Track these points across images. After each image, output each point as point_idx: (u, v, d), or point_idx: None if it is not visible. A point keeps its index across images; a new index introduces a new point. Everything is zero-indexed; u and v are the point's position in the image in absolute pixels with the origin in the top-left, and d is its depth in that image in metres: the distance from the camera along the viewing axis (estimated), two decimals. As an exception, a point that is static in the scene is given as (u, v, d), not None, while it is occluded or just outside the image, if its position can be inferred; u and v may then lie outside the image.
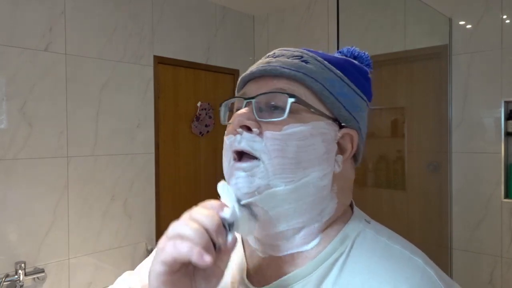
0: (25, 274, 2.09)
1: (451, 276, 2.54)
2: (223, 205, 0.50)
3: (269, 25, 3.44)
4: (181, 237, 0.44)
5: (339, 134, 0.57)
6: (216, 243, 0.45)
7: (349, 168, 0.60)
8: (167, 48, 2.85)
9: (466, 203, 2.52)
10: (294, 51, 0.59)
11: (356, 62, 0.63)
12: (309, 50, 0.60)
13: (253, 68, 0.59)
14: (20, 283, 2.06)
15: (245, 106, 0.55)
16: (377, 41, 2.60)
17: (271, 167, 0.52)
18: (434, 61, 2.67)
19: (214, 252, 0.45)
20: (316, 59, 0.58)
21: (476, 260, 2.48)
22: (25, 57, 2.16)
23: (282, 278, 0.55)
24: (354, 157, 0.62)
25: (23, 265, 2.08)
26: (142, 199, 2.69)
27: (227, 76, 3.31)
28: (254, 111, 0.54)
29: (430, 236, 2.62)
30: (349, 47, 0.66)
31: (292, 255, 0.56)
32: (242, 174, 0.53)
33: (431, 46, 2.61)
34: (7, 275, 2.04)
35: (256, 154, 0.53)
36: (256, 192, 0.52)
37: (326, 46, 3.00)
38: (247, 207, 0.52)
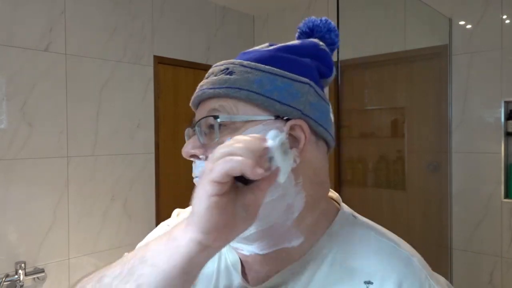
0: (25, 274, 2.09)
1: (451, 276, 2.54)
2: (263, 138, 0.47)
3: (269, 25, 3.44)
4: (231, 154, 0.43)
5: (286, 128, 0.55)
6: (261, 165, 0.44)
7: (314, 155, 0.58)
8: (167, 48, 2.85)
9: (466, 203, 2.52)
10: (222, 65, 0.61)
11: (296, 42, 0.62)
12: (244, 53, 0.62)
13: (194, 93, 0.62)
14: (20, 283, 2.06)
15: (192, 133, 0.59)
16: (377, 41, 2.61)
17: None
18: (434, 61, 2.67)
19: (263, 169, 0.44)
20: (242, 65, 0.58)
21: (476, 260, 2.48)
22: (25, 57, 2.16)
23: (274, 276, 0.56)
24: (326, 143, 0.60)
25: (23, 265, 2.08)
26: (142, 199, 2.69)
27: (227, 76, 3.31)
28: (199, 137, 0.57)
29: (430, 236, 2.62)
30: (307, 19, 0.66)
31: (276, 251, 0.57)
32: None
33: (431, 46, 2.62)
34: (7, 275, 2.04)
35: None
36: None
37: (326, 46, 3.00)
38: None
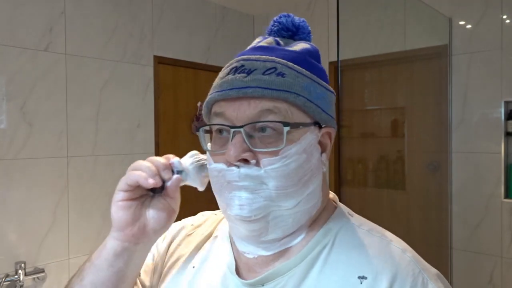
0: (25, 274, 2.09)
1: (451, 276, 2.55)
2: (174, 157, 0.60)
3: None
4: (134, 169, 0.57)
5: (319, 135, 0.58)
6: (163, 178, 0.57)
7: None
8: (167, 48, 2.85)
9: (466, 203, 2.52)
10: (265, 62, 0.55)
11: (308, 46, 0.60)
12: (265, 49, 0.58)
13: (224, 87, 0.55)
14: (20, 283, 2.06)
15: (233, 134, 0.53)
16: (377, 41, 2.61)
17: (275, 191, 0.53)
18: (434, 61, 2.67)
19: (159, 181, 0.56)
20: (287, 66, 0.55)
21: (476, 260, 2.48)
22: (25, 57, 2.16)
23: (269, 271, 0.57)
24: None
25: (23, 265, 2.08)
26: (142, 199, 2.68)
27: (227, 76, 3.31)
28: (246, 141, 0.53)
29: (430, 236, 2.62)
30: (285, 14, 0.64)
31: (280, 252, 0.59)
32: (244, 194, 0.53)
33: (431, 46, 2.61)
34: (7, 275, 2.04)
35: (258, 180, 0.53)
36: (259, 215, 0.54)
37: (326, 46, 3.00)
38: (199, 165, 0.61)
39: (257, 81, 0.53)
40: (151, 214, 0.58)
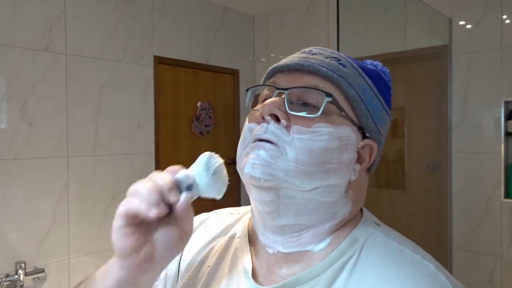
0: (25, 274, 2.09)
1: (451, 276, 2.54)
2: (180, 169, 0.51)
3: (269, 25, 3.43)
4: (134, 194, 0.48)
5: (361, 144, 0.56)
6: (168, 201, 0.48)
7: (364, 176, 0.60)
8: (167, 48, 2.85)
9: (466, 203, 2.52)
10: (332, 52, 0.58)
11: (382, 75, 0.62)
12: (345, 55, 0.60)
13: (286, 60, 0.57)
14: (20, 283, 2.06)
15: (276, 96, 0.53)
16: (377, 41, 2.60)
17: (294, 164, 0.51)
18: (434, 61, 2.67)
19: (164, 208, 0.48)
20: (352, 65, 0.57)
21: (476, 260, 2.48)
22: (25, 57, 2.16)
23: (290, 279, 0.54)
24: (369, 167, 0.62)
25: (23, 265, 2.08)
26: (142, 199, 2.68)
27: (227, 76, 3.31)
28: (286, 103, 0.52)
29: (430, 236, 2.62)
30: (373, 60, 0.65)
31: (300, 253, 0.56)
32: (262, 153, 0.51)
33: (431, 46, 2.62)
34: (7, 275, 2.04)
35: (281, 144, 0.51)
36: (269, 182, 0.51)
37: (326, 46, 3.00)
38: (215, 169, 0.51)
39: (316, 60, 0.55)
40: (159, 239, 0.49)
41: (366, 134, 0.56)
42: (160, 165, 2.80)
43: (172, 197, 0.48)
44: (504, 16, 2.37)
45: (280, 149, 0.51)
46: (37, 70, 2.20)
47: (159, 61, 2.81)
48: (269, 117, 0.52)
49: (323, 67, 0.54)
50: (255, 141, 0.53)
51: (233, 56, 3.33)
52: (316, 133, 0.52)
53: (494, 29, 2.40)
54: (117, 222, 0.49)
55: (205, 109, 3.11)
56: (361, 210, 0.62)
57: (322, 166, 0.52)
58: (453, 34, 2.54)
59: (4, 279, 2.02)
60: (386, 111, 0.60)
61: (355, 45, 2.56)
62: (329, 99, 0.52)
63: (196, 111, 3.07)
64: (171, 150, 2.91)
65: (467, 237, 2.52)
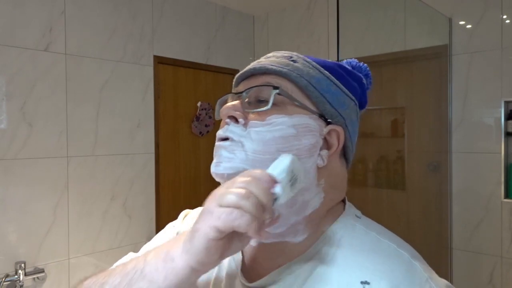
0: (25, 274, 2.09)
1: (451, 276, 2.54)
2: (274, 181, 0.48)
3: (269, 25, 3.43)
4: (240, 207, 0.45)
5: (325, 130, 0.59)
6: (265, 219, 0.47)
7: (338, 165, 0.62)
8: (167, 48, 2.85)
9: (466, 203, 2.52)
10: (285, 53, 0.63)
11: (349, 68, 0.66)
12: (299, 54, 0.64)
13: (245, 68, 0.63)
14: (20, 283, 2.06)
15: (236, 100, 0.59)
16: (377, 41, 2.60)
17: (252, 154, 0.54)
18: (434, 61, 2.67)
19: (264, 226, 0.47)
20: (305, 60, 0.61)
21: (476, 260, 2.48)
22: (25, 57, 2.16)
23: (273, 272, 0.57)
24: (345, 158, 0.64)
25: (23, 265, 2.08)
26: (142, 199, 2.69)
27: (227, 76, 3.30)
28: (244, 103, 0.58)
29: (430, 236, 2.62)
30: (349, 59, 0.70)
31: (281, 244, 0.58)
32: (223, 152, 0.56)
33: (431, 46, 2.61)
34: (7, 275, 2.04)
35: (238, 139, 0.56)
36: (232, 175, 0.53)
37: (326, 46, 3.00)
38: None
39: (268, 61, 0.61)
40: (234, 245, 0.49)
41: (328, 120, 0.59)
42: (160, 165, 2.80)
43: (268, 216, 0.47)
44: (504, 16, 2.37)
45: (237, 143, 0.55)
46: (37, 70, 2.20)
47: (159, 61, 2.81)
48: (228, 120, 0.57)
49: (273, 65, 0.59)
50: (218, 141, 0.58)
51: (233, 56, 3.33)
52: (270, 124, 0.55)
53: (494, 29, 2.40)
54: (213, 234, 0.46)
55: (205, 109, 3.11)
56: (344, 203, 0.64)
57: (277, 153, 0.54)
58: (453, 34, 2.54)
59: (4, 279, 2.02)
60: (349, 97, 0.62)
61: (355, 45, 2.56)
62: (276, 91, 0.56)
63: (196, 111, 3.07)
64: (171, 150, 2.91)
65: (467, 237, 2.52)
